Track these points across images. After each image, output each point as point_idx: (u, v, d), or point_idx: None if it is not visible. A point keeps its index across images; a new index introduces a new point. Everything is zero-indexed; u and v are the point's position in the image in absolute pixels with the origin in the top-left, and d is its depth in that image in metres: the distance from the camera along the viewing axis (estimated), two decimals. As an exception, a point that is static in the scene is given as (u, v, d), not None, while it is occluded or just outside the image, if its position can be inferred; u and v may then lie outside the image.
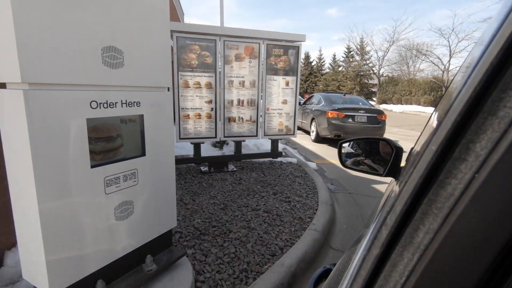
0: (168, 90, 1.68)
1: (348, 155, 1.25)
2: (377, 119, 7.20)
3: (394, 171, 1.07)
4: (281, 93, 4.36)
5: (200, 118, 3.95)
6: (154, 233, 1.68)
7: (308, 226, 2.61)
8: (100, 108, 1.30)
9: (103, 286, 1.41)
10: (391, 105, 27.42)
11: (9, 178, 1.22)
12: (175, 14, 10.21)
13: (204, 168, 4.29)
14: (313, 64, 40.10)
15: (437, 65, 25.96)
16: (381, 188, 4.20)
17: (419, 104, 25.26)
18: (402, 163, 1.12)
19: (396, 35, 36.62)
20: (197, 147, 4.13)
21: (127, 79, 1.41)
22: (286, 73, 4.32)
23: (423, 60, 29.16)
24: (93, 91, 1.27)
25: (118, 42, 1.34)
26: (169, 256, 1.76)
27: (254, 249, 2.19)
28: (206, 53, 3.80)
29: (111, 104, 1.35)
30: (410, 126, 13.06)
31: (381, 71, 31.88)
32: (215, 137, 4.10)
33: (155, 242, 1.70)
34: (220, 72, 3.92)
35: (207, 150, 5.13)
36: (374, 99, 31.88)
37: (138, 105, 1.48)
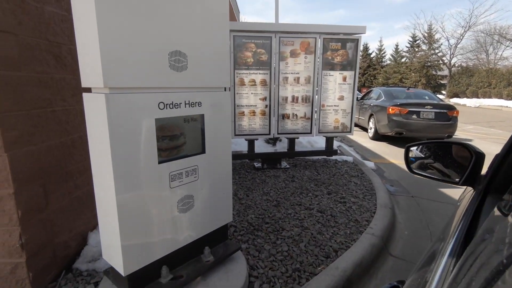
0: (226, 90, 1.74)
1: (416, 160, 1.14)
2: (447, 115, 6.47)
3: (472, 179, 0.95)
4: (338, 88, 4.19)
5: (254, 115, 4.02)
6: (211, 226, 1.77)
7: (365, 229, 2.48)
8: (166, 108, 1.41)
9: (167, 271, 1.54)
10: (465, 98, 24.34)
11: (92, 170, 1.39)
12: (232, 13, 10.49)
13: (257, 164, 4.37)
14: (372, 56, 37.64)
15: (526, 52, 22.15)
16: (450, 192, 3.78)
17: (500, 97, 21.96)
18: (483, 170, 0.99)
19: (473, 19, 32.23)
20: (251, 143, 4.21)
21: (190, 81, 1.49)
22: (344, 67, 4.13)
23: (507, 47, 25.14)
24: (160, 93, 1.38)
25: (182, 46, 1.42)
26: (225, 249, 1.84)
27: (307, 249, 2.17)
28: (262, 50, 3.83)
29: (175, 104, 1.45)
30: (488, 123, 11.46)
31: (452, 61, 28.48)
32: (269, 133, 4.13)
33: (212, 235, 1.79)
34: (275, 69, 3.93)
35: (260, 146, 5.21)
36: (443, 92, 28.68)
37: (199, 105, 1.56)
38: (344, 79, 4.17)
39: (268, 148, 5.13)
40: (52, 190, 1.74)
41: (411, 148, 1.12)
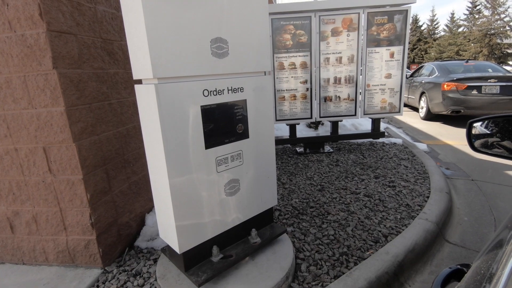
0: (266, 74, 1.73)
1: (481, 136, 1.03)
2: (516, 89, 5.70)
3: (552, 157, 0.83)
4: (384, 66, 3.91)
5: (295, 99, 3.95)
6: (257, 209, 1.82)
7: (417, 214, 2.34)
8: (210, 95, 1.45)
9: (217, 251, 1.63)
10: (538, 69, 21.14)
11: (147, 157, 1.50)
12: (268, -5, 10.27)
13: (299, 149, 4.33)
14: (423, 28, 34.29)
15: None
16: (520, 175, 3.37)
17: None
18: None
19: (550, -26, 27.43)
20: (292, 128, 4.17)
21: (232, 67, 1.51)
22: (391, 43, 3.83)
23: None
24: (204, 81, 1.42)
25: (223, 32, 1.44)
26: (271, 232, 1.88)
27: (354, 233, 2.12)
28: (301, 31, 3.71)
29: (219, 91, 1.48)
30: None
31: (523, 26, 24.71)
32: (311, 117, 4.04)
33: (258, 218, 1.84)
34: (315, 50, 3.79)
35: (301, 131, 5.14)
36: (511, 63, 25.21)
37: (241, 90, 1.58)
38: (392, 55, 3.87)
39: (310, 132, 5.03)
40: (113, 175, 1.92)
41: (474, 124, 1.01)
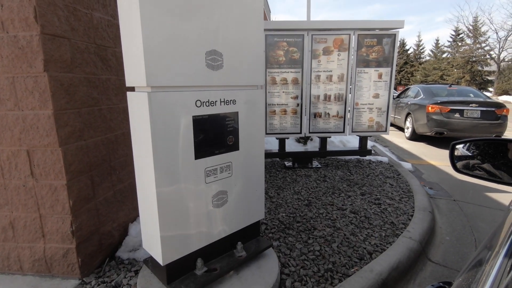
0: (259, 88, 1.76)
1: (463, 158, 1.07)
2: (495, 114, 5.98)
3: (528, 180, 0.87)
4: (373, 86, 4.04)
5: (285, 114, 4.01)
6: (244, 222, 1.80)
7: (401, 232, 2.38)
8: (203, 106, 1.46)
9: (202, 264, 1.59)
10: (516, 96, 22.25)
11: (135, 164, 1.48)
12: (263, 12, 10.53)
13: (288, 163, 4.35)
14: (409, 52, 35.75)
15: None
16: (499, 197, 3.49)
17: (559, 94, 19.76)
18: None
19: (526, 9, 29.29)
20: (282, 142, 4.21)
21: (225, 79, 1.53)
22: (379, 64, 3.97)
23: None
24: (198, 91, 1.43)
25: (219, 45, 1.47)
26: (257, 246, 1.86)
27: (340, 250, 2.12)
28: (294, 48, 3.80)
29: (211, 102, 1.49)
30: (544, 122, 10.37)
31: (502, 55, 26.14)
32: (300, 132, 4.09)
33: (245, 231, 1.82)
34: (307, 67, 3.88)
35: (290, 145, 5.18)
36: (491, 89, 26.48)
37: (234, 103, 1.59)
38: (380, 76, 4.01)
39: (299, 147, 5.09)
40: (98, 182, 1.88)
41: (457, 146, 1.05)
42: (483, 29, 28.42)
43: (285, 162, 4.43)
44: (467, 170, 1.01)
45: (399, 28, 3.86)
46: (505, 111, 6.05)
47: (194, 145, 1.46)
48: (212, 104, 1.50)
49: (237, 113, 1.62)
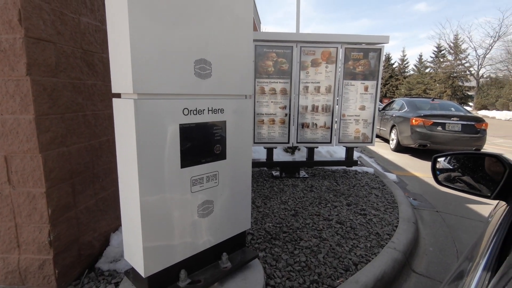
0: (247, 97, 1.76)
1: (444, 170, 1.10)
2: (475, 128, 6.20)
3: (506, 193, 0.90)
4: (359, 98, 4.13)
5: (274, 124, 4.03)
6: (230, 233, 1.78)
7: (386, 243, 2.40)
8: (190, 115, 1.45)
9: (185, 275, 1.55)
10: (494, 111, 23.23)
11: (119, 172, 1.45)
12: (253, 23, 10.68)
13: (275, 173, 4.35)
14: (394, 66, 36.92)
15: (562, 62, 20.93)
16: (479, 209, 3.59)
17: (533, 110, 20.77)
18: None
19: (503, 29, 30.97)
20: (269, 151, 4.22)
21: (214, 88, 1.53)
22: (365, 77, 4.08)
23: (541, 57, 23.89)
24: (185, 100, 1.42)
25: (208, 54, 1.47)
26: (243, 256, 1.83)
27: (325, 261, 2.12)
28: (283, 59, 3.86)
29: (199, 111, 1.48)
30: (520, 136, 10.85)
31: (480, 72, 27.36)
32: (288, 142, 4.12)
33: (230, 242, 1.80)
34: (295, 78, 3.94)
35: (278, 154, 5.20)
36: (471, 104, 27.56)
37: (221, 112, 1.59)
38: (366, 89, 4.11)
39: (287, 157, 5.11)
40: (80, 190, 1.82)
41: (439, 159, 1.08)
42: (463, 46, 29.78)
43: (273, 172, 4.43)
44: (448, 182, 1.04)
45: (384, 43, 3.99)
46: (484, 125, 6.30)
47: (181, 154, 1.44)
48: (200, 113, 1.49)
49: (224, 122, 1.62)
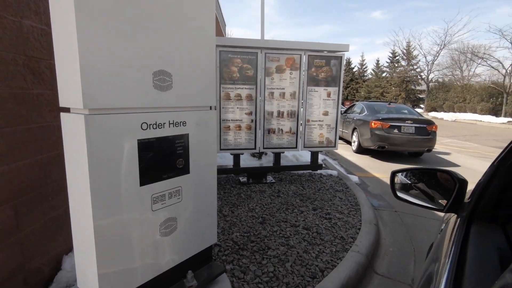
0: (212, 108, 1.72)
1: (402, 185, 1.15)
2: (427, 130, 6.70)
3: (456, 206, 0.96)
4: (322, 104, 4.26)
5: (240, 130, 4.00)
6: (195, 249, 1.71)
7: (350, 247, 2.48)
8: (149, 129, 1.37)
9: (147, 300, 1.46)
10: (442, 112, 25.40)
11: (69, 193, 1.32)
12: (218, 26, 10.58)
13: (243, 179, 4.32)
14: (354, 70, 38.87)
15: (496, 69, 23.52)
16: (432, 207, 3.86)
17: (475, 112, 23.07)
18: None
19: (448, 38, 34.06)
20: (236, 157, 4.18)
21: (175, 100, 1.46)
22: (328, 84, 4.22)
23: (479, 64, 26.64)
24: (144, 113, 1.34)
25: (167, 65, 1.40)
26: (209, 272, 1.78)
27: (293, 269, 2.13)
28: (248, 65, 3.85)
29: (159, 125, 1.41)
30: (464, 136, 11.96)
31: (430, 77, 29.80)
32: (255, 148, 4.11)
33: (196, 258, 1.73)
34: (260, 84, 3.95)
35: (245, 160, 5.18)
36: (422, 106, 29.86)
37: (184, 124, 1.53)
38: (329, 95, 4.24)
39: (254, 162, 5.10)
40: (24, 212, 1.63)
41: (397, 174, 1.13)
42: (414, 53, 32.22)
43: (240, 178, 4.40)
44: (406, 196, 1.09)
45: (345, 51, 4.16)
46: (434, 127, 6.83)
47: (139, 171, 1.35)
48: (160, 127, 1.41)
49: (187, 135, 1.56)
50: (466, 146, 9.30)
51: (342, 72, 4.26)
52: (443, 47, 28.95)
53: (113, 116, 1.22)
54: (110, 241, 1.27)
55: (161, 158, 1.45)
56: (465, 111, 24.00)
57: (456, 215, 1.02)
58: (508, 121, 18.63)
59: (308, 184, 4.25)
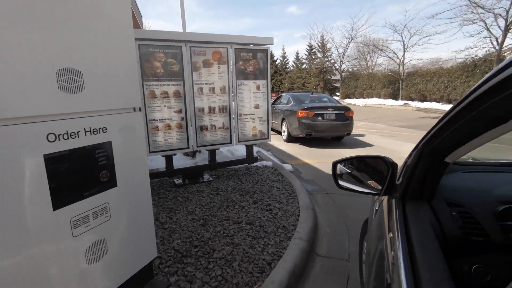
0: (136, 110, 1.52)
1: (342, 175, 1.20)
2: (345, 116, 7.41)
3: (391, 189, 1.03)
4: (253, 97, 4.29)
5: (170, 129, 3.75)
6: (133, 269, 1.52)
7: (293, 235, 2.56)
8: (59, 140, 1.13)
9: None
10: (354, 99, 28.61)
11: None
12: (134, 17, 9.71)
13: (178, 181, 4.09)
14: (277, 62, 40.64)
15: (393, 59, 27.47)
16: (357, 185, 4.29)
17: (379, 97, 26.60)
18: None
19: (354, 32, 38.24)
20: (169, 159, 3.92)
21: (89, 103, 1.24)
22: (256, 77, 4.26)
23: (379, 55, 30.73)
24: (49, 122, 1.10)
25: (75, 62, 1.17)
26: (152, 291, 1.61)
27: (241, 268, 2.09)
28: (172, 60, 3.60)
29: (72, 134, 1.17)
30: (374, 118, 13.68)
31: (342, 67, 33.15)
32: (188, 147, 3.92)
33: (135, 278, 1.54)
34: (188, 79, 3.75)
35: (179, 160, 4.91)
36: (338, 94, 33.09)
37: (104, 131, 1.31)
38: (258, 88, 4.29)
39: (188, 162, 4.88)
40: None
41: (338, 165, 1.17)
42: (328, 45, 35.30)
43: (175, 180, 4.15)
44: (347, 184, 1.14)
45: (270, 44, 4.24)
46: (351, 113, 7.60)
47: (51, 192, 1.11)
48: (73, 136, 1.18)
49: (110, 142, 1.35)
50: (376, 127, 10.65)
51: (269, 64, 4.34)
52: (351, 40, 32.40)
53: (6, 129, 0.96)
54: (15, 285, 1.01)
55: (79, 173, 1.22)
56: (372, 97, 27.49)
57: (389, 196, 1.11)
58: (404, 103, 22.05)
59: (246, 178, 4.27)
